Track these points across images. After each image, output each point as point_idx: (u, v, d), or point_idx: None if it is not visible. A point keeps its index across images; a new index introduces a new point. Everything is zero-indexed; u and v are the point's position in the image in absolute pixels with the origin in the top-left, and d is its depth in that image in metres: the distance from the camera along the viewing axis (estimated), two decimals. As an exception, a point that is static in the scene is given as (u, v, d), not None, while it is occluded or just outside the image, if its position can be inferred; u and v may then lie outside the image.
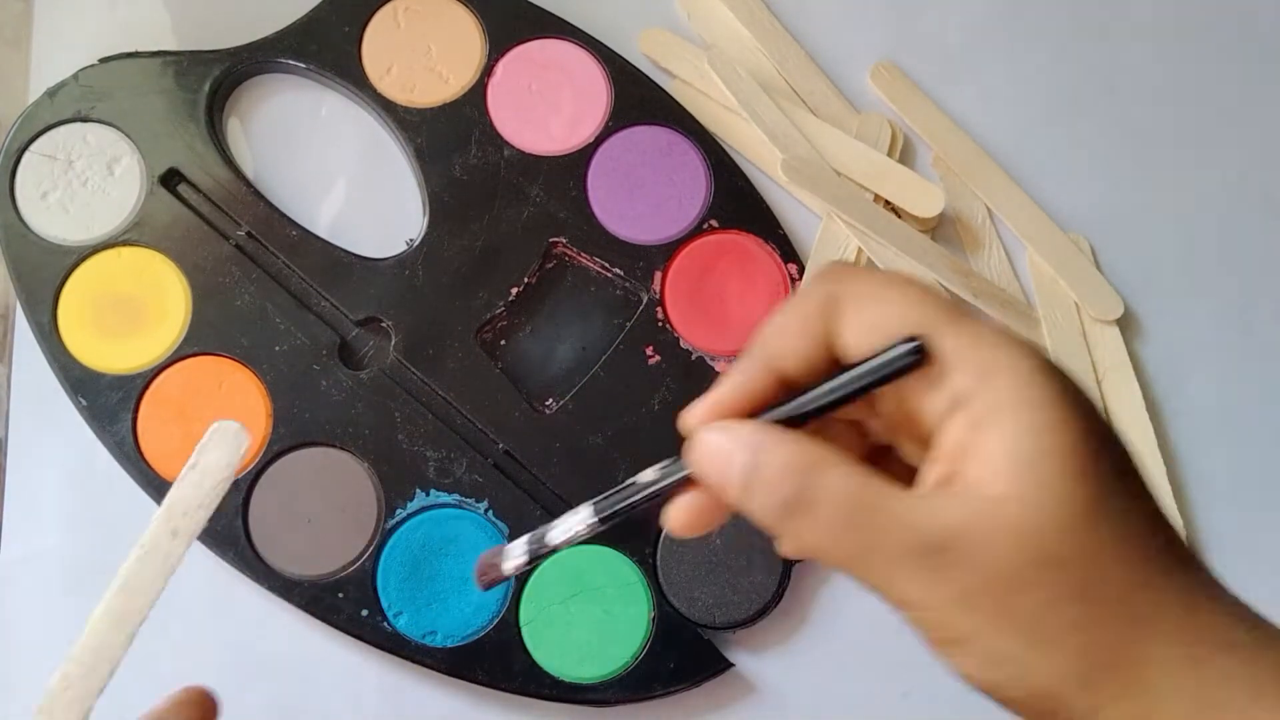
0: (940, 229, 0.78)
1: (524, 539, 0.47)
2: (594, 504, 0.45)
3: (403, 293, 0.71)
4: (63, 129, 0.71)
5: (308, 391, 0.69)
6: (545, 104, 0.74)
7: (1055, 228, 0.78)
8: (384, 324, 0.71)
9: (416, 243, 0.72)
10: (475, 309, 0.71)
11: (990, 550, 0.38)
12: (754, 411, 0.42)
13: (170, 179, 0.71)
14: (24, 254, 0.69)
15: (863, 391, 0.41)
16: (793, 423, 0.41)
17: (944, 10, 0.82)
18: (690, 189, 0.74)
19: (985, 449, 0.39)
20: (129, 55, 0.72)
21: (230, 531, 0.67)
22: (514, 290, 0.72)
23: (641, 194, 0.74)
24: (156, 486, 0.67)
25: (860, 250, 0.75)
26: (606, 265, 0.73)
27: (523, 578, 0.68)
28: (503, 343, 0.72)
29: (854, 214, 0.75)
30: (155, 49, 0.73)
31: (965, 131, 0.80)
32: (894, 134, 0.78)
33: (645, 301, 0.72)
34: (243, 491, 0.67)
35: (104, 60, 0.72)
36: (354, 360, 0.70)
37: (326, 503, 0.68)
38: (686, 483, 0.43)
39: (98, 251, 0.70)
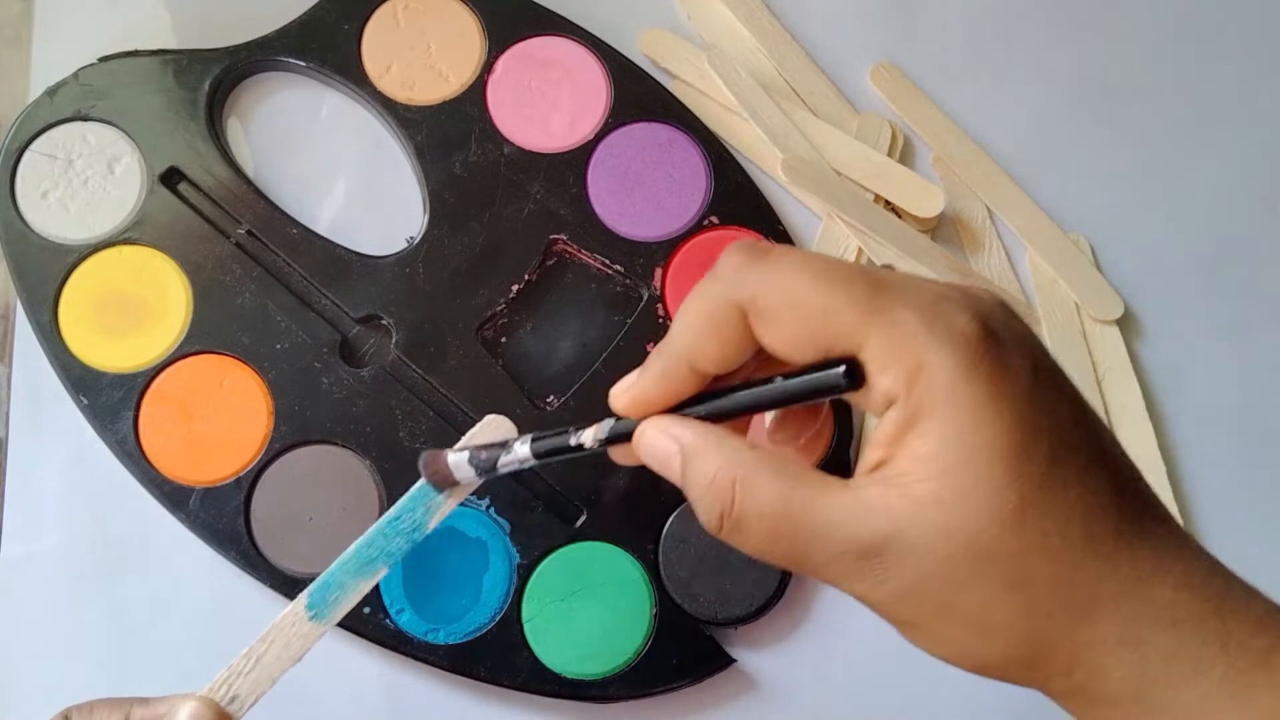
0: (940, 229, 0.78)
1: (464, 454, 0.51)
2: (531, 442, 0.49)
3: (403, 290, 0.71)
4: (63, 128, 0.71)
5: (309, 389, 0.69)
6: (545, 101, 0.74)
7: (1055, 228, 0.78)
8: (385, 322, 0.70)
9: (417, 240, 0.72)
10: (476, 306, 0.71)
11: (922, 552, 0.39)
12: (679, 403, 0.44)
13: (170, 177, 0.71)
14: (24, 253, 0.69)
15: (789, 404, 0.42)
16: (724, 417, 0.43)
17: (944, 10, 0.82)
18: (690, 186, 0.74)
19: (914, 447, 0.39)
20: (129, 54, 0.72)
21: (232, 530, 0.67)
22: (514, 287, 0.72)
23: (642, 191, 0.74)
24: (158, 485, 0.67)
25: (860, 250, 0.75)
26: (607, 262, 0.73)
27: (524, 576, 0.67)
28: (503, 340, 0.72)
29: (854, 214, 0.75)
30: (155, 48, 0.73)
31: (965, 131, 0.80)
32: (894, 134, 0.78)
33: (646, 298, 0.72)
34: (244, 489, 0.67)
35: (104, 59, 0.72)
36: (355, 358, 0.70)
37: (328, 500, 0.68)
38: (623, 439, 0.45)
39: (98, 250, 0.70)
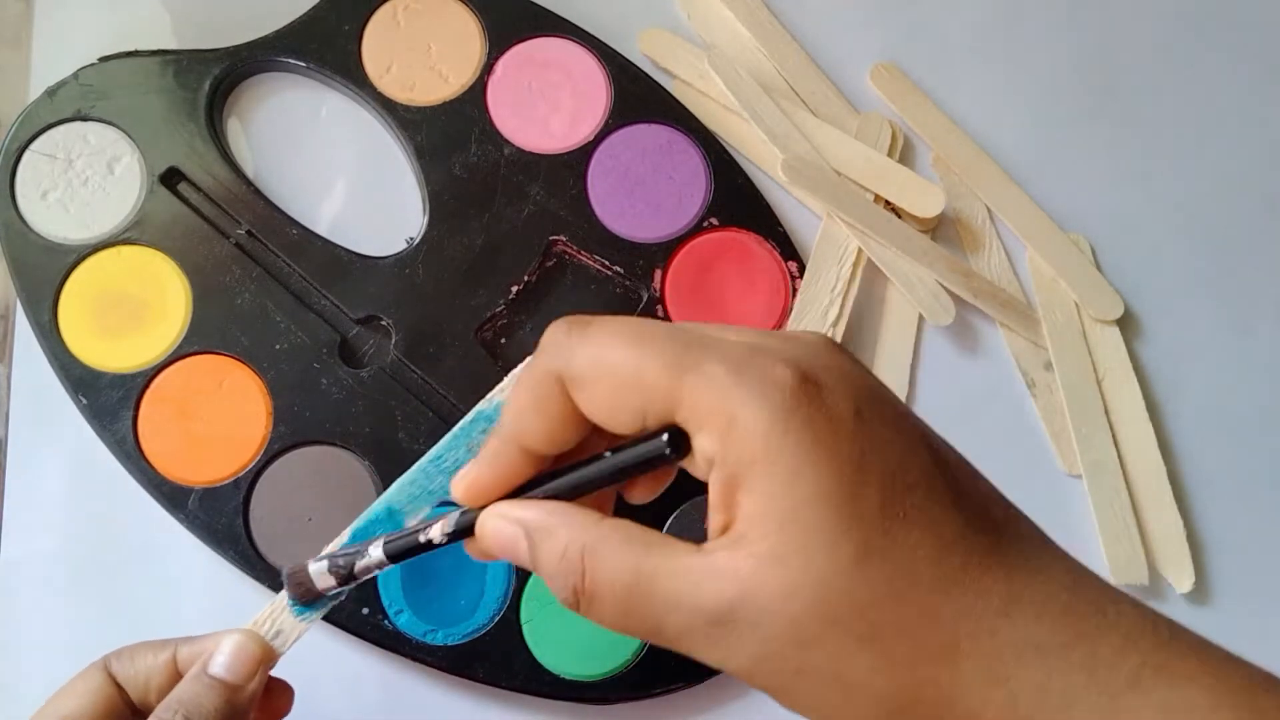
0: (940, 229, 0.78)
1: (324, 561, 0.50)
2: (384, 544, 0.48)
3: (403, 291, 0.71)
4: (63, 128, 0.71)
5: (308, 390, 0.69)
6: (545, 102, 0.74)
7: (1055, 228, 0.78)
8: (384, 322, 0.70)
9: (416, 241, 0.72)
10: (475, 307, 0.71)
11: (769, 614, 0.37)
12: (515, 488, 0.44)
13: (170, 178, 0.71)
14: (24, 253, 0.69)
15: (621, 478, 0.42)
16: (563, 498, 0.43)
17: (944, 10, 0.82)
18: (690, 187, 0.74)
19: (745, 506, 0.38)
20: (129, 54, 0.72)
21: (231, 530, 0.67)
22: (514, 288, 0.72)
23: (641, 192, 0.74)
24: (157, 485, 0.67)
25: (860, 251, 0.75)
26: (607, 263, 0.73)
27: (523, 577, 0.67)
28: (503, 341, 0.72)
29: (854, 214, 0.75)
30: (155, 48, 0.73)
31: (965, 131, 0.80)
32: (894, 134, 0.78)
33: (645, 299, 0.72)
34: (243, 490, 0.67)
35: (104, 59, 0.72)
36: (354, 359, 0.70)
37: (327, 501, 0.68)
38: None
39: (98, 250, 0.70)
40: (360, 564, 0.49)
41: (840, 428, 0.37)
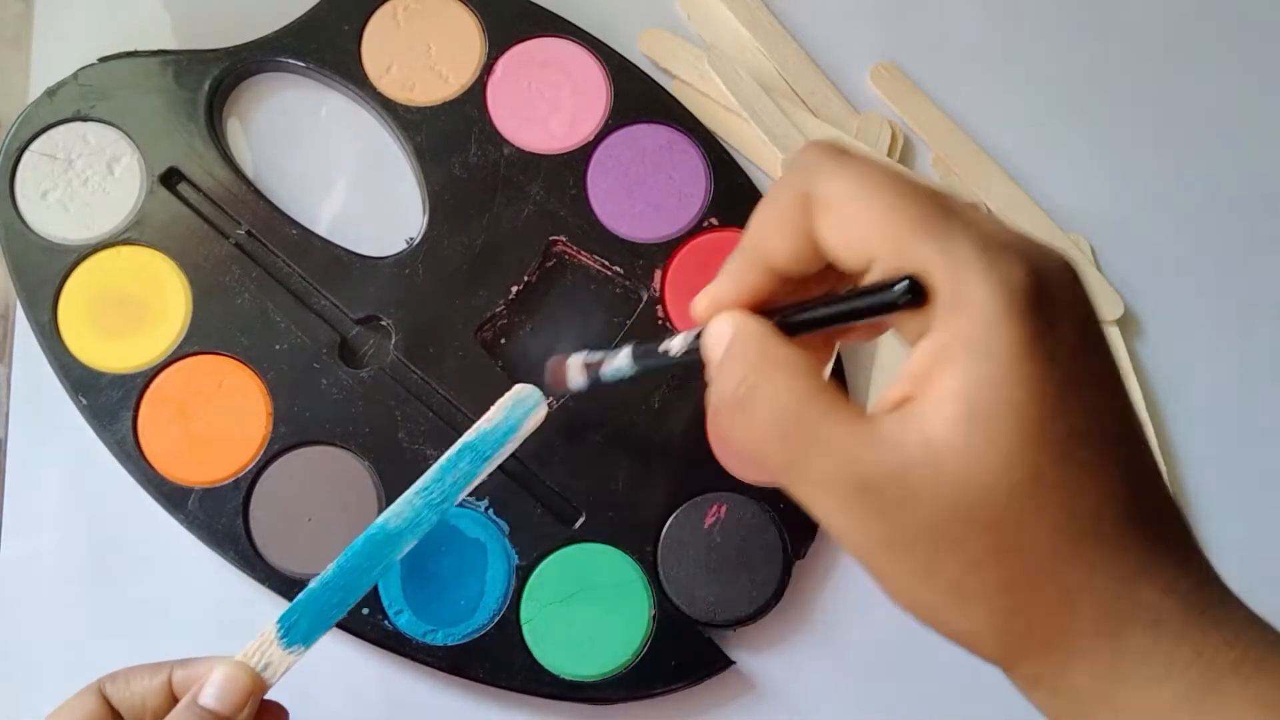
0: (940, 229, 0.78)
1: (580, 362, 0.59)
2: (631, 350, 0.54)
3: (403, 291, 0.71)
4: (62, 128, 0.71)
5: (308, 390, 0.69)
6: (545, 102, 0.74)
7: (1055, 228, 0.78)
8: (384, 323, 0.70)
9: (416, 241, 0.72)
10: (475, 307, 0.71)
11: (923, 501, 0.37)
12: (753, 302, 0.44)
13: (170, 178, 0.71)
14: (24, 253, 0.69)
15: (852, 319, 0.41)
16: (788, 329, 0.43)
17: (944, 10, 0.82)
18: (690, 187, 0.74)
19: (942, 385, 0.37)
20: (129, 54, 0.72)
21: (231, 530, 0.67)
22: (514, 288, 0.71)
23: (641, 192, 0.74)
24: (157, 485, 0.67)
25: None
26: (606, 263, 0.73)
27: (523, 577, 0.67)
28: (503, 341, 0.72)
29: (854, 213, 0.75)
30: (155, 48, 0.73)
31: (965, 131, 0.80)
32: (894, 134, 0.78)
33: (645, 300, 0.72)
34: (243, 490, 0.67)
35: (104, 60, 0.72)
36: (354, 359, 0.70)
37: (327, 501, 0.68)
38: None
39: (98, 250, 0.70)
40: (609, 366, 0.55)
41: (1061, 351, 0.37)
